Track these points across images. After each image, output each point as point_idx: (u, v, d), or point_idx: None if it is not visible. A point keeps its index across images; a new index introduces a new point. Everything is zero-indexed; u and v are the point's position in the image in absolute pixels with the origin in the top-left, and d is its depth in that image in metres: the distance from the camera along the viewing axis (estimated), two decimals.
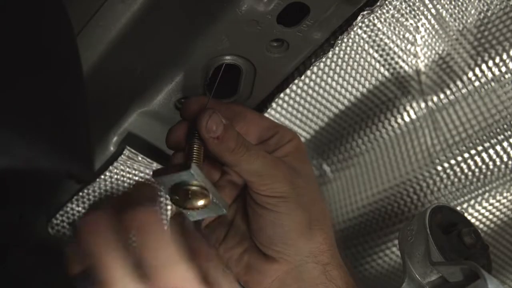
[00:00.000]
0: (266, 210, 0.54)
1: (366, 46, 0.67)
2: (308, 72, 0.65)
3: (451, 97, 0.71)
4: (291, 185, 0.54)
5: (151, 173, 0.51)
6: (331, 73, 0.69)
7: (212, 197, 0.51)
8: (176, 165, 0.52)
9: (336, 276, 0.55)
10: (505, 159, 0.71)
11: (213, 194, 0.51)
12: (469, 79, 0.69)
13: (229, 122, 0.53)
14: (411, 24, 0.66)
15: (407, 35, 0.67)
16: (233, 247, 0.57)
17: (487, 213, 0.76)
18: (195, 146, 0.53)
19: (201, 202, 0.50)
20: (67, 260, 0.45)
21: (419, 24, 0.67)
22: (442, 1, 0.65)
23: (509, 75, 0.68)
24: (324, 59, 0.63)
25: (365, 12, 0.54)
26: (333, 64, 0.68)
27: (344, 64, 0.68)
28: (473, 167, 0.73)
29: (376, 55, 0.68)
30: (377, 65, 0.69)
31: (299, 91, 0.70)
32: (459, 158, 0.73)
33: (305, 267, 0.55)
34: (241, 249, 0.57)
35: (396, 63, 0.70)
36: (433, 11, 0.66)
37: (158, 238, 0.44)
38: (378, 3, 0.55)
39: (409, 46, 0.68)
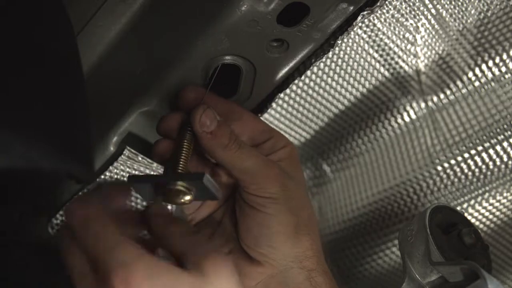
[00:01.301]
0: (254, 210, 0.54)
1: (366, 46, 0.67)
2: (308, 72, 0.65)
3: (451, 97, 0.71)
4: (282, 186, 0.54)
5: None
6: (331, 73, 0.69)
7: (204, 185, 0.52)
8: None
9: (321, 282, 0.55)
10: (505, 159, 0.71)
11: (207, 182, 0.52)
12: (469, 79, 0.69)
13: (224, 119, 0.53)
14: (411, 24, 0.66)
15: (407, 35, 0.67)
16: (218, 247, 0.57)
17: (487, 213, 0.76)
18: (185, 141, 0.53)
19: (187, 197, 0.51)
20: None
21: (419, 24, 0.67)
22: (442, 1, 0.65)
23: (509, 75, 0.68)
24: (324, 59, 0.63)
25: (365, 12, 0.54)
26: (333, 64, 0.68)
27: (344, 64, 0.68)
28: (473, 167, 0.73)
29: (376, 55, 0.68)
30: (377, 65, 0.69)
31: (299, 91, 0.70)
32: (459, 158, 0.73)
33: (290, 272, 0.55)
34: (226, 249, 0.56)
35: (396, 63, 0.70)
36: (433, 11, 0.66)
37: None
38: (378, 3, 0.55)
39: (409, 46, 0.68)
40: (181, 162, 0.53)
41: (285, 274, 0.55)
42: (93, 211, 0.45)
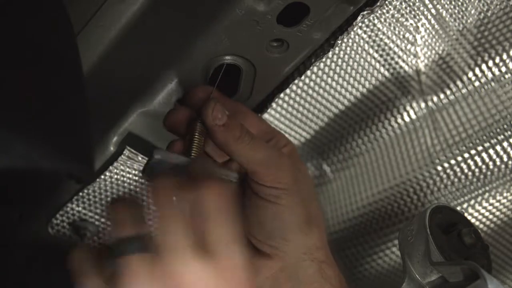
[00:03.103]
0: (268, 203, 0.54)
1: (366, 46, 0.67)
2: (308, 72, 0.65)
3: (451, 97, 0.71)
4: (294, 178, 0.54)
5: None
6: (331, 73, 0.69)
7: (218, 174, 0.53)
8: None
9: (331, 275, 0.55)
10: (505, 159, 0.71)
11: (218, 171, 0.52)
12: (469, 79, 0.69)
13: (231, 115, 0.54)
14: (411, 24, 0.66)
15: (407, 35, 0.67)
16: None
17: (487, 213, 0.76)
18: (196, 135, 0.53)
19: None
20: (118, 220, 0.45)
21: (419, 24, 0.67)
22: (442, 1, 0.65)
23: (509, 75, 0.68)
24: (324, 59, 0.63)
25: (365, 12, 0.54)
26: (333, 64, 0.68)
27: (344, 64, 0.68)
28: (473, 167, 0.73)
29: (376, 55, 0.68)
30: (377, 65, 0.69)
31: (299, 91, 0.70)
32: (459, 158, 0.73)
33: (301, 265, 0.55)
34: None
35: (396, 63, 0.70)
36: (433, 11, 0.66)
37: (224, 215, 0.45)
38: (378, 3, 0.55)
39: (409, 46, 0.68)
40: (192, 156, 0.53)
41: (296, 267, 0.55)
42: None
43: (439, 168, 0.74)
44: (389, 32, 0.67)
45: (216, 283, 0.43)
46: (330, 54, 0.64)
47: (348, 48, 0.67)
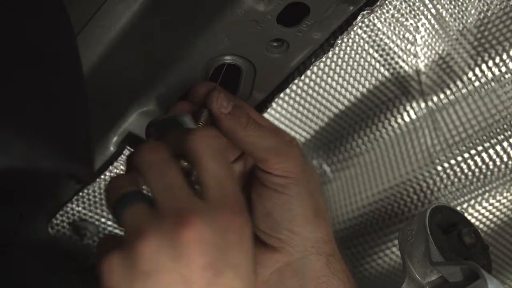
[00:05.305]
0: (276, 193, 0.53)
1: (366, 46, 0.67)
2: (308, 72, 0.65)
3: (451, 97, 0.71)
4: (302, 168, 0.53)
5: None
6: (331, 73, 0.69)
7: None
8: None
9: (339, 269, 0.54)
10: (505, 159, 0.71)
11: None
12: (469, 79, 0.69)
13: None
14: (411, 24, 0.66)
15: (407, 35, 0.67)
16: None
17: (487, 213, 0.76)
18: (200, 123, 0.53)
19: None
20: None
21: (419, 24, 0.67)
22: (442, 1, 0.65)
23: (509, 75, 0.68)
24: (324, 59, 0.63)
25: (365, 12, 0.54)
26: (333, 64, 0.68)
27: (344, 64, 0.68)
28: (473, 167, 0.73)
29: (376, 55, 0.68)
30: (377, 65, 0.69)
31: (299, 91, 0.70)
32: (459, 158, 0.73)
33: (308, 259, 0.54)
34: None
35: (396, 63, 0.70)
36: (433, 11, 0.66)
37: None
38: (378, 3, 0.54)
39: (409, 46, 0.68)
40: None
41: (303, 261, 0.54)
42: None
43: (439, 168, 0.74)
44: (389, 32, 0.67)
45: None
46: (330, 54, 0.64)
47: (348, 48, 0.67)
